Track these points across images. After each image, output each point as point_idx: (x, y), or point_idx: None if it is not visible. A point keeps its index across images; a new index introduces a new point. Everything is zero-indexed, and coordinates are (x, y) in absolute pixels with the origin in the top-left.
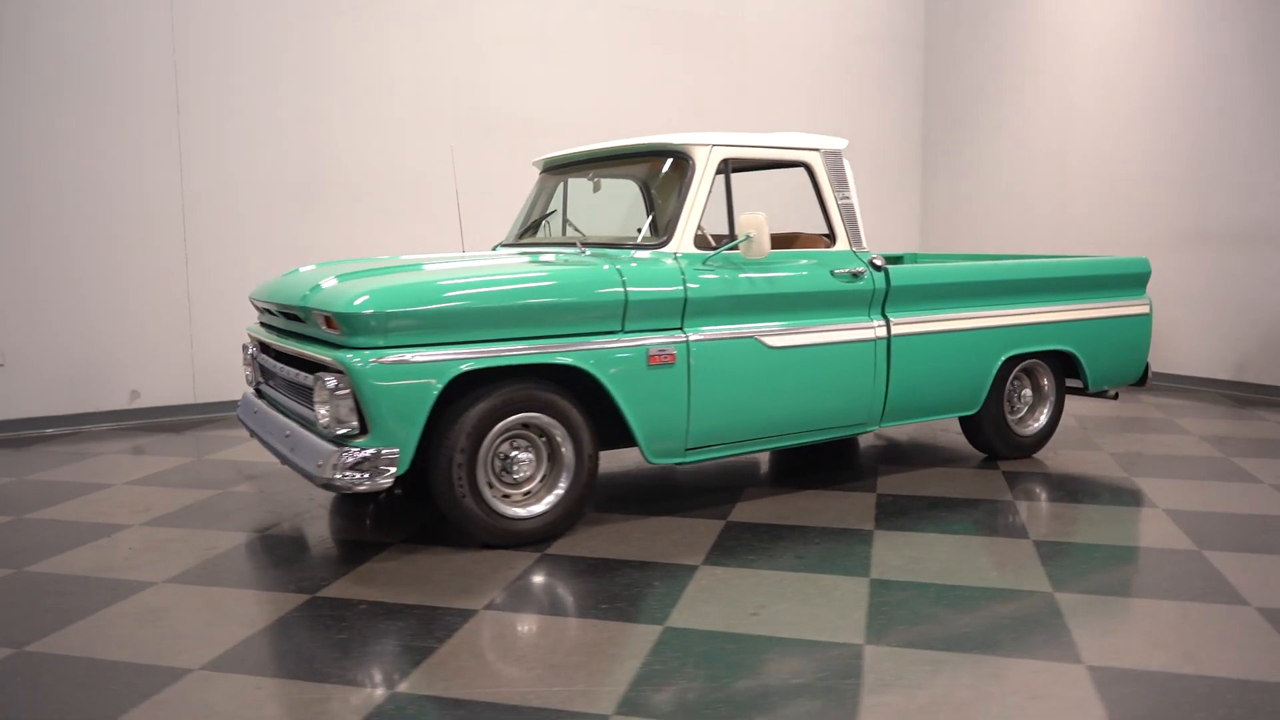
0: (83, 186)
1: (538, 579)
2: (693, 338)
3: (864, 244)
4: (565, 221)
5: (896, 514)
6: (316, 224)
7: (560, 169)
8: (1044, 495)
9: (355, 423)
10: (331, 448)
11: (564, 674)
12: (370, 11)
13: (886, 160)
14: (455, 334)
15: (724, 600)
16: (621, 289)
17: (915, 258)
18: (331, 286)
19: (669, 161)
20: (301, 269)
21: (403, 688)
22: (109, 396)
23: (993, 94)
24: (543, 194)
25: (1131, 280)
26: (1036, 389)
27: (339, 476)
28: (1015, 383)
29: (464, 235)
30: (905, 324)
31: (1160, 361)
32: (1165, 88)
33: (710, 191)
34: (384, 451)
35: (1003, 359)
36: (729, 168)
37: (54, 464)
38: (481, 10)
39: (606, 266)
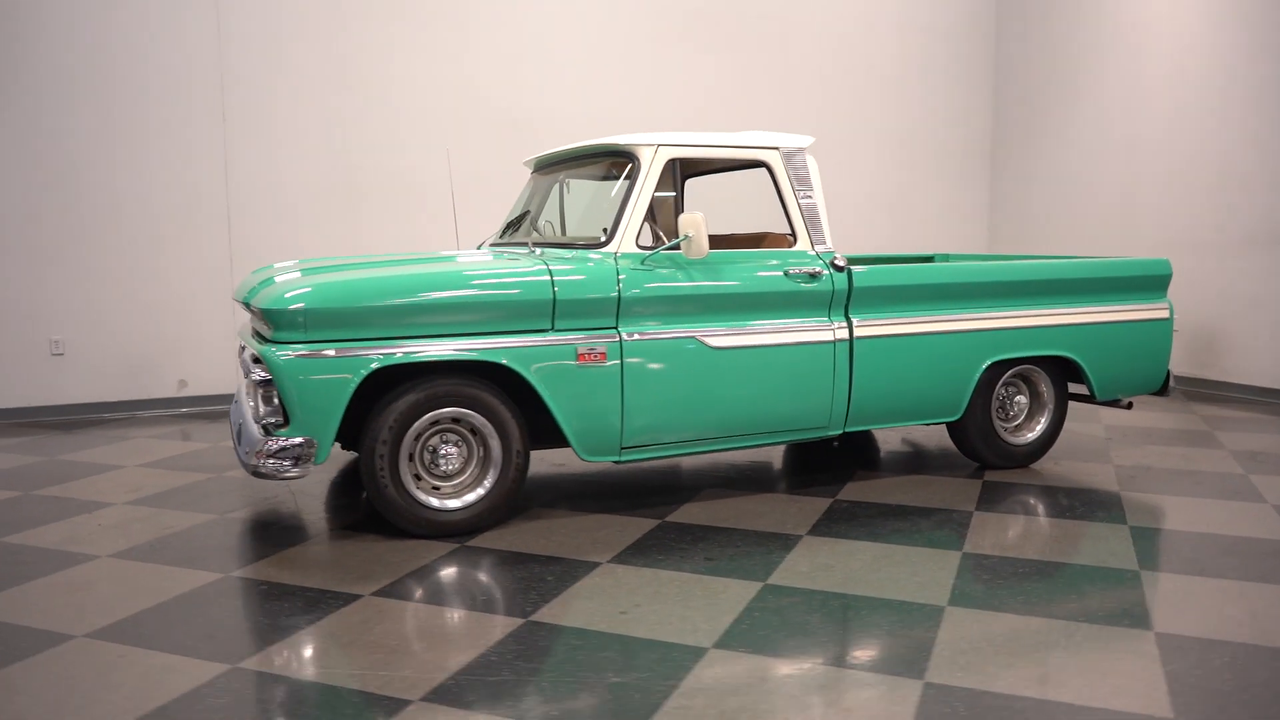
0: (135, 190)
1: (440, 569)
2: (627, 337)
3: (828, 243)
4: (561, 219)
5: (839, 520)
6: (354, 222)
7: (545, 169)
8: (1009, 507)
9: (280, 414)
10: (260, 437)
11: (399, 660)
12: (402, 21)
13: (951, 155)
14: (377, 331)
15: (603, 598)
16: (549, 289)
17: (946, 258)
18: (274, 285)
19: (618, 162)
20: (276, 265)
21: (247, 664)
22: (160, 385)
23: (1065, 86)
24: (535, 193)
25: (1149, 283)
26: (1035, 396)
27: (262, 464)
28: (1008, 389)
29: (459, 234)
30: (870, 326)
31: (1226, 370)
32: (1237, 79)
33: (664, 191)
34: (302, 442)
35: (986, 364)
36: (678, 168)
37: (87, 446)
38: (514, 15)
39: (537, 266)
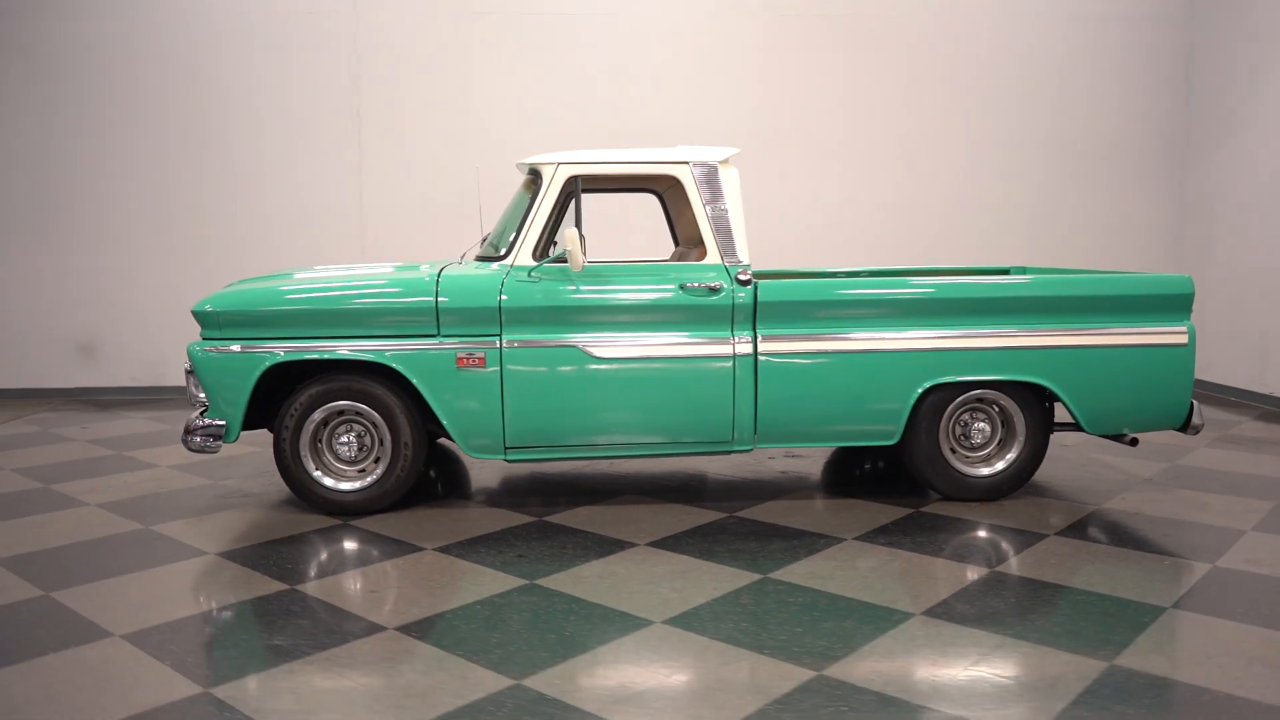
0: (281, 204)
1: (287, 541)
2: (507, 344)
3: (739, 257)
4: (502, 230)
5: (698, 536)
6: (473, 229)
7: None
8: (891, 541)
9: (203, 400)
10: (193, 417)
11: (147, 613)
12: (516, 44)
13: (1125, 159)
14: (279, 332)
15: (365, 577)
16: (433, 297)
17: (1024, 270)
18: (219, 289)
19: (531, 180)
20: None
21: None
22: None
23: (1272, 76)
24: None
25: (1161, 304)
26: (1006, 424)
27: (187, 439)
28: (973, 415)
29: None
30: (776, 342)
31: None
32: None
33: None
34: (215, 423)
35: (924, 387)
36: (579, 185)
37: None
38: (621, 30)
39: (426, 278)
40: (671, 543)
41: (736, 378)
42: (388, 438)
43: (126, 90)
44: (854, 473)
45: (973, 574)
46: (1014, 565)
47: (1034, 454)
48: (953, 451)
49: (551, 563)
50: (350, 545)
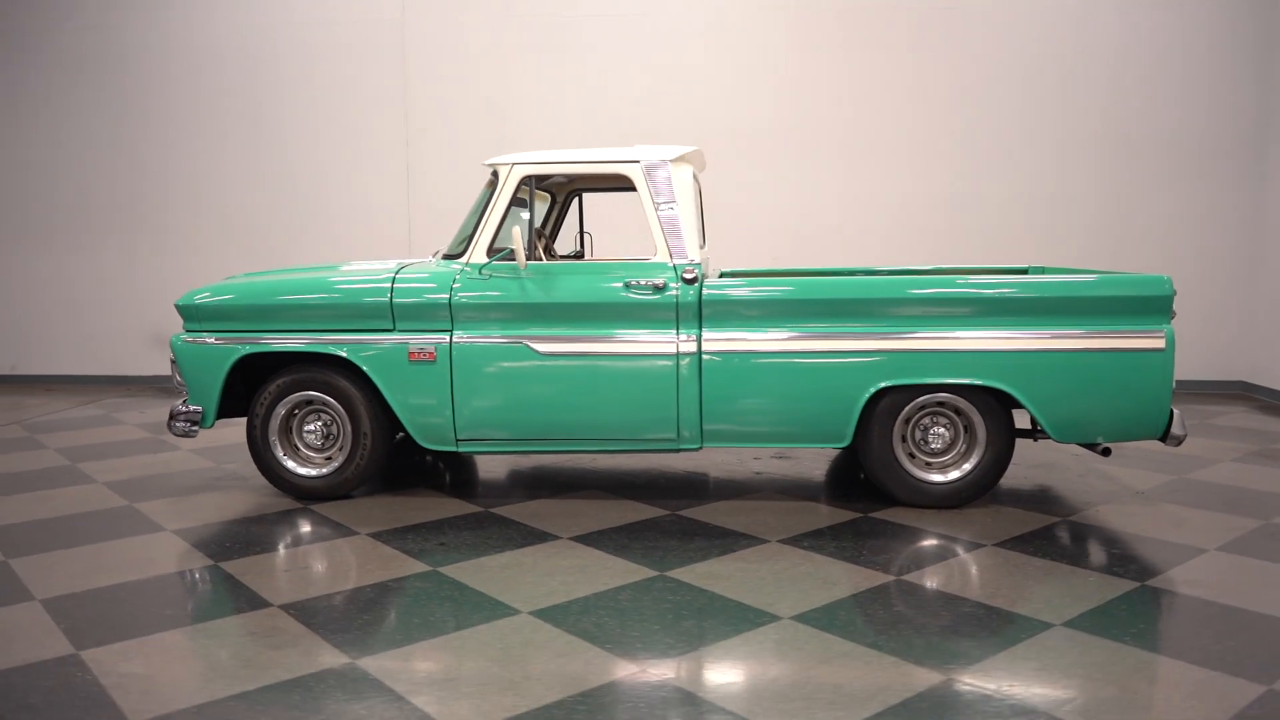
0: (331, 204)
1: (241, 521)
2: (457, 339)
3: (687, 255)
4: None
5: (624, 533)
6: None
7: None
8: (814, 545)
9: (184, 388)
10: (176, 404)
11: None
12: (552, 51)
13: (1188, 153)
14: (249, 325)
15: (288, 558)
16: (388, 294)
17: (1043, 270)
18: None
19: (491, 179)
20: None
21: None
22: None
23: None
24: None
25: (1137, 306)
26: (970, 430)
27: (170, 424)
28: (929, 419)
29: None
30: (721, 341)
31: None
32: None
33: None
34: (193, 409)
35: (874, 389)
36: (534, 184)
37: None
38: (657, 29)
39: (384, 275)
40: (595, 537)
41: (681, 376)
42: (349, 427)
43: (189, 99)
44: (859, 476)
45: (873, 581)
46: (922, 575)
47: (996, 461)
48: (911, 456)
49: (466, 551)
50: (292, 527)
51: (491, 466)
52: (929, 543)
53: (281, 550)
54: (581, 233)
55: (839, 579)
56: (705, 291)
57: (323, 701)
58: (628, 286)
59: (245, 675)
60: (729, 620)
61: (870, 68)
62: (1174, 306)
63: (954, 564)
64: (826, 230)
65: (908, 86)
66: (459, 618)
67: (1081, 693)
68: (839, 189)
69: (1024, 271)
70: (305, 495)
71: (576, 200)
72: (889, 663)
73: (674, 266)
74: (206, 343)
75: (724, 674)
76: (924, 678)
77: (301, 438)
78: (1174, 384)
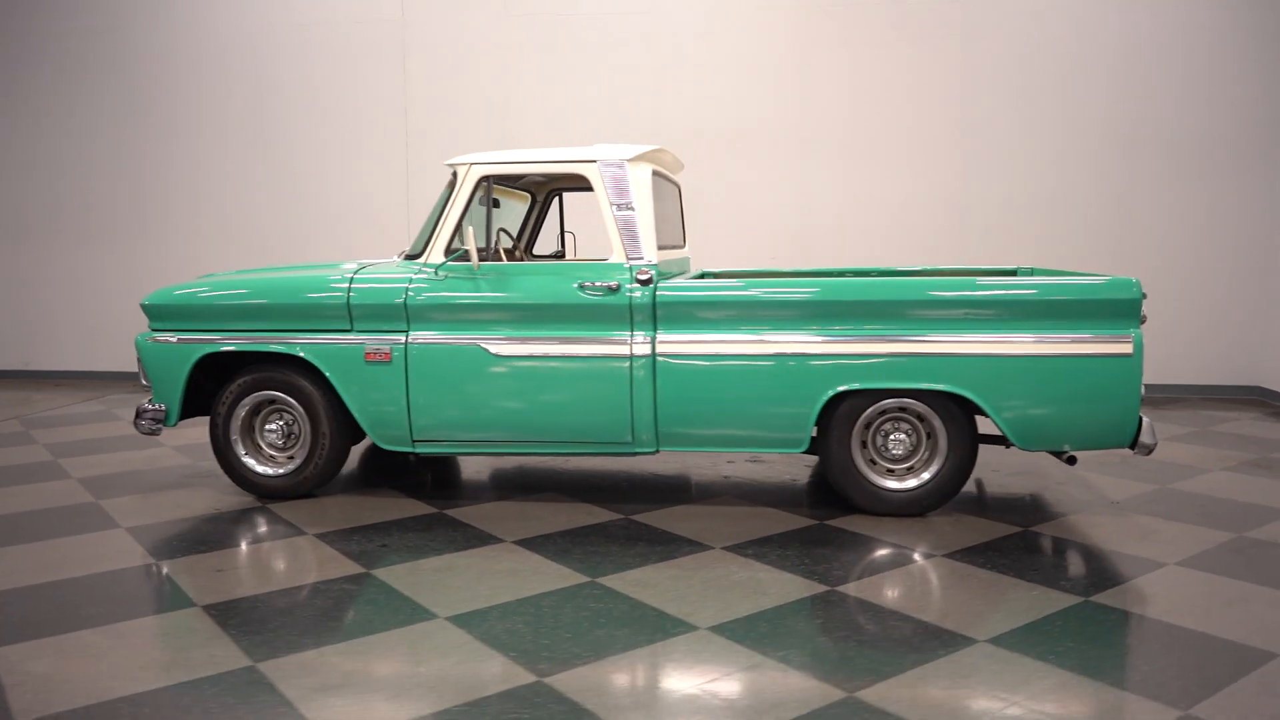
0: (332, 203)
1: (193, 519)
2: (412, 340)
3: (644, 256)
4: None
5: (568, 537)
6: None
7: None
8: (757, 554)
9: (149, 386)
10: (142, 402)
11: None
12: (554, 53)
13: (1198, 148)
14: (211, 325)
15: (221, 558)
16: (345, 294)
17: (1033, 271)
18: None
19: (451, 179)
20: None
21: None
22: None
23: None
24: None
25: (1103, 309)
26: (932, 437)
27: (135, 422)
28: (891, 424)
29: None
30: (675, 343)
31: None
32: None
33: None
34: (158, 407)
35: (831, 393)
36: (490, 184)
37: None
38: (657, 27)
39: (342, 277)
40: (538, 541)
41: (634, 379)
42: (306, 427)
43: (192, 100)
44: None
45: (806, 592)
46: (859, 586)
47: (958, 469)
48: (873, 463)
49: (406, 554)
50: (243, 526)
51: (477, 467)
52: (878, 553)
53: (225, 550)
54: (562, 233)
55: (771, 589)
56: (660, 293)
57: (209, 705)
58: (582, 288)
59: (142, 677)
60: (643, 630)
61: (873, 66)
62: (1143, 310)
63: (895, 575)
64: (829, 230)
65: (909, 85)
66: (374, 622)
67: (984, 714)
68: (842, 188)
69: (1013, 273)
70: (266, 494)
71: (558, 200)
72: (794, 678)
73: (629, 267)
74: (169, 342)
75: (616, 685)
76: (824, 694)
77: (264, 437)
78: (1143, 390)
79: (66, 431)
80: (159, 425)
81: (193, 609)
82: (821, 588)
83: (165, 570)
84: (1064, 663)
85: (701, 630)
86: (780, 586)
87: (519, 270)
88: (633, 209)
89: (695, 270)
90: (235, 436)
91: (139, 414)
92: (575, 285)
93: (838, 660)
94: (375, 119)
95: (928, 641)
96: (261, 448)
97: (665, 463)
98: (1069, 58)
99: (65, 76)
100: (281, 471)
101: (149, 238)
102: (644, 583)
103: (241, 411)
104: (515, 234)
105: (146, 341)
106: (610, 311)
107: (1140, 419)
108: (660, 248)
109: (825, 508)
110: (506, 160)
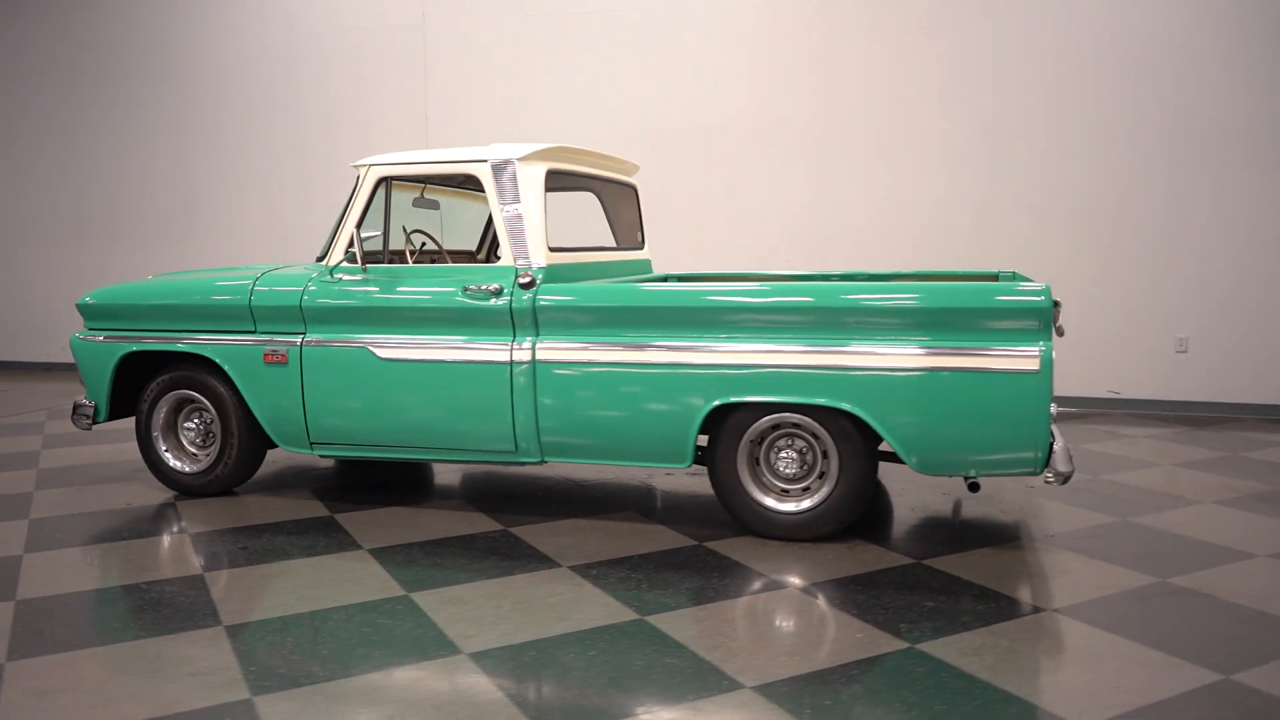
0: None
1: (104, 514)
2: (306, 342)
3: (532, 259)
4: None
5: (429, 548)
6: None
7: None
8: (602, 574)
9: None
10: (78, 398)
11: None
12: (567, 53)
13: (1226, 138)
14: (136, 325)
15: (101, 552)
16: (247, 296)
17: (1015, 276)
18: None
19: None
20: None
21: None
22: None
23: None
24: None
25: (1006, 319)
26: (826, 455)
27: (72, 417)
28: (785, 440)
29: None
30: (553, 350)
31: None
32: None
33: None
34: (88, 403)
35: (711, 405)
36: (390, 185)
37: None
38: (671, 25)
39: (246, 278)
40: (390, 551)
41: (516, 386)
42: (219, 427)
43: (218, 108)
44: None
45: (614, 619)
46: (673, 615)
47: (852, 491)
48: (763, 483)
49: (255, 557)
50: (134, 521)
51: (445, 471)
52: (732, 580)
53: (93, 544)
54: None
55: (579, 614)
56: (539, 298)
57: None
58: (465, 291)
59: None
60: (401, 652)
61: (898, 62)
62: (1058, 321)
63: (725, 606)
64: (851, 232)
65: (934, 84)
66: (154, 628)
67: None
68: (865, 188)
69: (994, 278)
70: (184, 491)
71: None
72: (527, 715)
73: (517, 270)
74: (97, 341)
75: (329, 711)
76: None
77: (184, 434)
78: (1053, 410)
79: (62, 425)
80: (89, 421)
81: (7, 604)
82: (630, 616)
83: (27, 561)
84: (820, 718)
85: (463, 655)
86: (592, 613)
87: (406, 273)
88: (519, 209)
89: (657, 273)
90: (156, 433)
91: (75, 409)
92: (458, 289)
93: (594, 699)
94: (396, 124)
95: (696, 682)
96: (183, 445)
97: (599, 472)
98: (1093, 57)
99: (85, 87)
100: (196, 469)
101: (171, 239)
102: (451, 600)
103: (162, 409)
104: (483, 235)
105: (79, 340)
106: (492, 316)
107: (1052, 443)
108: (620, 249)
109: (724, 528)
110: (403, 161)
